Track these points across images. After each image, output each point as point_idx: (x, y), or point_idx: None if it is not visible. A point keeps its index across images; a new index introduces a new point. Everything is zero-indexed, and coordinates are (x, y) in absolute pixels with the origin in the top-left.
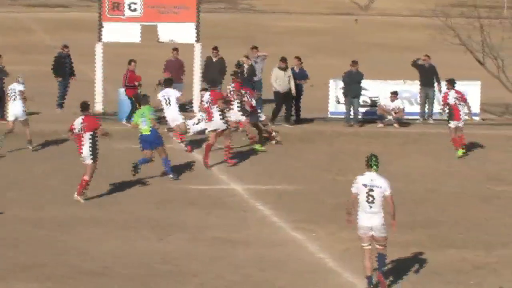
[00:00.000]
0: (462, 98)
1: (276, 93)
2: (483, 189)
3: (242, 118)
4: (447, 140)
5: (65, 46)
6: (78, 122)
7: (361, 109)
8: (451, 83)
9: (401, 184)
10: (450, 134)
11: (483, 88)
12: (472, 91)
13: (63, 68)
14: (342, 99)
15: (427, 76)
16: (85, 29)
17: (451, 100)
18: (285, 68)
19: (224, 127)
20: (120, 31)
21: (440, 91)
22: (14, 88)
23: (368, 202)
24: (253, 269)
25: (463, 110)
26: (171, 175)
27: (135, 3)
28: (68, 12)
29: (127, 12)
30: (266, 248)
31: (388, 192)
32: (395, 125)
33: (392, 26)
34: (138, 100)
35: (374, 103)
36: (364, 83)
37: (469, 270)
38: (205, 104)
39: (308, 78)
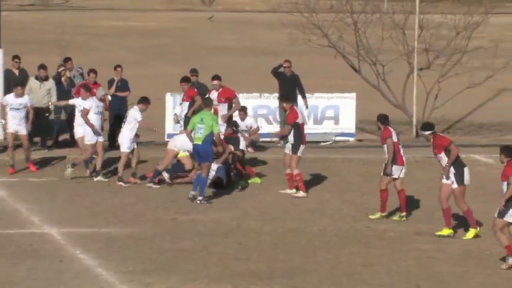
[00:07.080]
0: None
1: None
2: (360, 229)
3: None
4: (316, 168)
5: None
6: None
7: None
8: None
9: (255, 224)
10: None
11: (359, 101)
12: (346, 105)
13: None
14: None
15: (288, 87)
16: None
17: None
18: (45, 79)
19: None
20: None
21: (306, 106)
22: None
23: None
24: None
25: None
26: (200, 198)
27: None
28: None
29: None
30: None
31: None
32: (248, 149)
33: (243, 24)
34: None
35: None
36: None
37: None
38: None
39: (129, 91)
